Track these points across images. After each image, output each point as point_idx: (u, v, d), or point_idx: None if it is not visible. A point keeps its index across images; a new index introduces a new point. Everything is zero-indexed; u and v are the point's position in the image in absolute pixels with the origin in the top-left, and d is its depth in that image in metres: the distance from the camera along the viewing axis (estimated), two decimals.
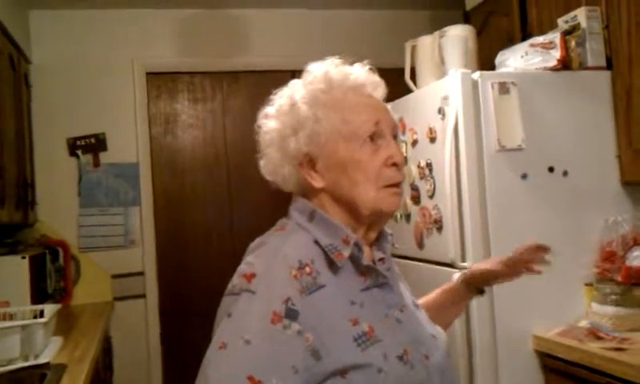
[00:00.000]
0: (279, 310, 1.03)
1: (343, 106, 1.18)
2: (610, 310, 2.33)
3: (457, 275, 1.56)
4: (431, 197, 2.77)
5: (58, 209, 3.97)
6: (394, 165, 1.17)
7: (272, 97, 1.27)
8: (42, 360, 2.37)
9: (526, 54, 2.62)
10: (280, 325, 1.02)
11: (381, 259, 1.22)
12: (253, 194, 4.36)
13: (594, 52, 2.58)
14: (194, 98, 4.38)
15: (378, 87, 1.24)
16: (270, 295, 1.05)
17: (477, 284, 1.54)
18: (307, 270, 1.10)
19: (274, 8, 4.39)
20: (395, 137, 1.21)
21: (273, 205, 4.37)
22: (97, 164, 4.07)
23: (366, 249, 1.20)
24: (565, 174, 2.54)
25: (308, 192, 1.21)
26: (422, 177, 2.85)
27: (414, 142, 2.93)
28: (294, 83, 1.27)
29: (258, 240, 1.22)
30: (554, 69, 2.56)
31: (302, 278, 1.08)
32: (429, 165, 2.79)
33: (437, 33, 3.00)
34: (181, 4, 4.19)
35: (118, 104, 4.14)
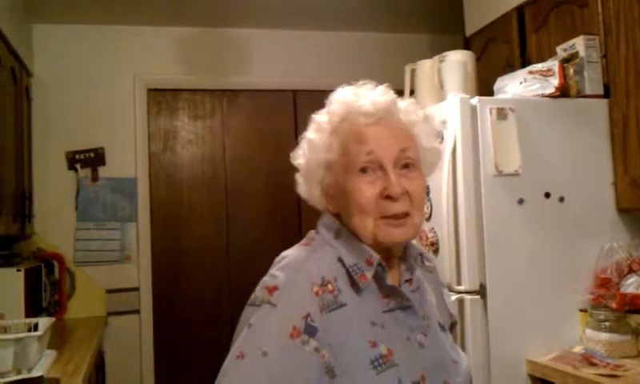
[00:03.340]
0: (299, 325, 1.04)
1: (344, 135, 1.19)
2: (604, 336, 2.34)
3: None
4: (428, 219, 2.78)
5: (54, 222, 3.97)
6: (389, 197, 1.15)
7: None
8: (35, 373, 2.36)
9: (525, 80, 2.65)
10: (299, 340, 1.03)
11: (408, 280, 1.21)
12: (250, 212, 4.38)
13: (592, 80, 2.60)
14: (194, 114, 4.40)
15: (389, 111, 1.20)
16: (291, 309, 1.06)
17: None
18: (329, 287, 1.11)
19: (275, 29, 4.43)
20: (407, 166, 1.19)
21: (269, 223, 4.43)
22: (95, 178, 4.08)
23: (393, 269, 1.21)
24: (561, 199, 2.56)
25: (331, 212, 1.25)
26: None
27: None
28: (327, 108, 1.28)
29: (282, 254, 1.22)
30: (551, 96, 2.58)
31: (324, 296, 1.09)
32: (426, 188, 2.80)
33: (437, 57, 3.03)
34: (183, 22, 4.22)
35: (118, 119, 4.16)
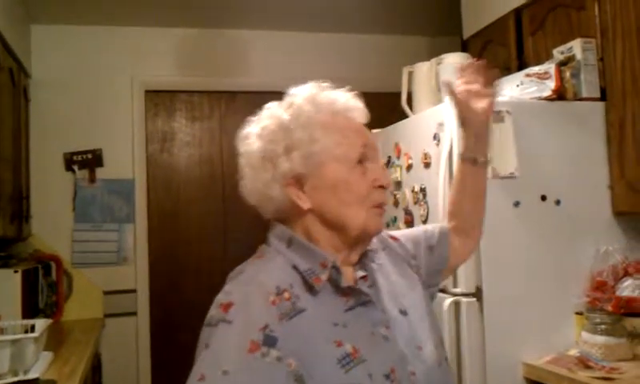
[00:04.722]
0: (257, 338, 1.03)
1: (335, 129, 1.19)
2: (600, 339, 2.34)
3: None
4: (424, 221, 2.78)
5: (52, 223, 3.97)
6: (381, 186, 1.20)
7: (249, 119, 1.28)
8: (31, 375, 2.36)
9: (522, 83, 2.65)
10: (258, 353, 1.02)
11: (363, 277, 1.23)
12: (247, 214, 4.35)
13: (589, 83, 2.61)
14: (191, 116, 4.40)
15: (362, 113, 1.27)
16: (247, 324, 1.05)
17: (467, 144, 1.55)
18: (286, 295, 1.10)
19: (273, 30, 4.44)
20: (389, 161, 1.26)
21: (268, 225, 4.41)
22: (92, 180, 4.08)
23: (347, 269, 1.22)
24: (557, 202, 2.56)
25: (291, 214, 1.22)
26: (416, 201, 2.87)
27: (409, 167, 2.94)
28: (275, 105, 1.28)
29: (237, 269, 1.22)
30: (548, 99, 2.59)
31: (281, 304, 1.08)
32: (423, 190, 2.80)
33: (434, 60, 3.03)
34: (181, 23, 4.23)
35: (115, 120, 4.16)
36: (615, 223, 2.63)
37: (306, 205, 1.18)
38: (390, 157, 3.15)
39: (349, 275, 1.21)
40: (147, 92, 4.28)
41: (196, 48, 4.35)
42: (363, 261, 1.26)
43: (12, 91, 3.38)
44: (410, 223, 2.93)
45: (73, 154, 4.07)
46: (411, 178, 2.92)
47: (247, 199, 1.27)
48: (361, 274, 1.23)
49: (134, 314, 4.09)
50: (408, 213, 2.95)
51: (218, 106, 4.45)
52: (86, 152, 4.09)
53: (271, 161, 1.20)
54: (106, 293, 4.04)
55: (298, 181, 1.18)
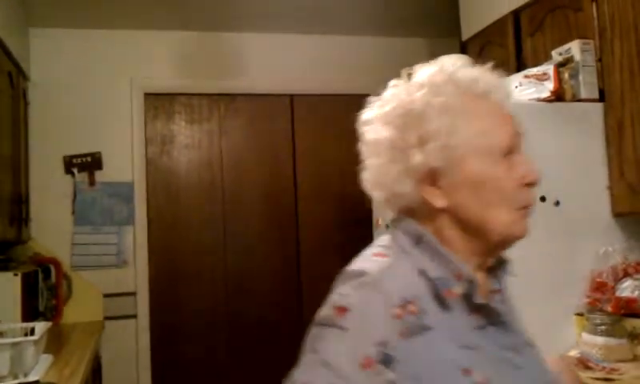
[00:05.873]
0: (372, 353, 0.89)
1: (479, 115, 1.02)
2: (600, 340, 2.34)
3: None
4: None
5: (51, 226, 3.97)
6: (529, 184, 1.03)
7: (371, 99, 1.11)
8: (31, 378, 2.36)
9: (520, 84, 2.65)
10: (371, 371, 0.88)
11: (495, 291, 1.08)
12: (247, 216, 4.38)
13: (587, 84, 2.61)
14: (190, 119, 4.40)
15: (508, 94, 1.09)
16: (363, 335, 0.91)
17: None
18: (411, 308, 0.93)
19: (272, 32, 4.44)
20: None
21: (266, 227, 4.42)
22: (92, 183, 4.09)
23: (480, 276, 1.05)
24: (557, 203, 2.56)
25: (421, 213, 1.04)
26: None
27: None
28: (402, 85, 1.09)
29: (355, 266, 1.03)
30: (547, 100, 2.59)
31: (405, 318, 0.92)
32: None
33: (433, 62, 3.03)
34: (180, 26, 4.23)
35: (115, 123, 4.17)
36: (614, 224, 2.63)
37: (440, 203, 1.02)
38: None
39: (482, 285, 1.05)
40: (146, 95, 4.28)
41: (195, 51, 4.35)
42: (498, 271, 1.11)
43: (11, 94, 3.38)
44: None
45: (72, 157, 4.07)
46: None
47: (369, 193, 1.10)
48: (495, 287, 1.09)
49: (134, 316, 4.09)
50: None
51: (217, 109, 4.45)
52: (85, 155, 4.09)
53: (402, 152, 1.02)
54: (106, 295, 4.04)
55: (433, 176, 1.01)
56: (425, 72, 1.07)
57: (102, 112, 4.15)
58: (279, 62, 4.45)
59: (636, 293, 2.38)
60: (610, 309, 2.37)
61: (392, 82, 1.11)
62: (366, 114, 1.10)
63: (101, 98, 4.15)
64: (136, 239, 4.14)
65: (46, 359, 2.68)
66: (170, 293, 4.23)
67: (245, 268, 4.34)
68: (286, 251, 4.44)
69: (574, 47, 2.63)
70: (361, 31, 4.51)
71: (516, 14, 3.17)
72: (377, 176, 1.06)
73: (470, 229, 1.02)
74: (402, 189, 1.02)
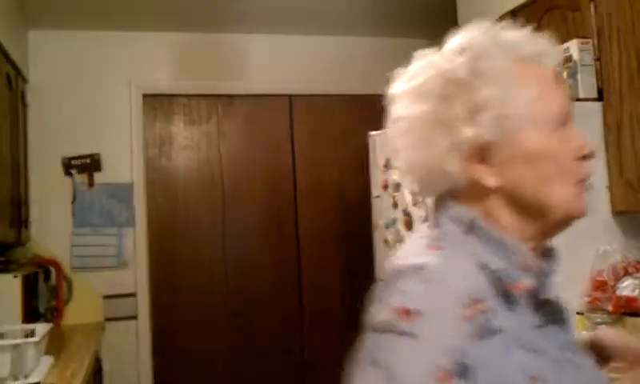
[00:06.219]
0: (448, 364, 0.77)
1: (531, 81, 0.91)
2: None
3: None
4: (424, 223, 2.78)
5: (51, 228, 3.98)
6: (586, 156, 0.93)
7: (396, 72, 0.99)
8: (32, 380, 2.36)
9: None
10: None
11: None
12: (246, 217, 4.38)
13: (586, 83, 2.61)
14: (189, 120, 4.40)
15: (558, 58, 0.97)
16: (436, 344, 0.79)
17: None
18: (480, 307, 0.82)
19: (271, 33, 4.44)
20: None
21: (266, 227, 4.43)
22: (91, 184, 4.09)
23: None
24: None
25: (468, 194, 0.93)
26: (415, 203, 2.87)
27: None
28: (435, 53, 0.98)
29: (408, 261, 0.90)
30: None
31: (476, 320, 0.81)
32: None
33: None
34: (179, 27, 4.23)
35: (114, 125, 4.17)
36: (614, 223, 2.63)
37: (492, 182, 0.90)
38: (388, 158, 3.16)
39: None
40: (145, 96, 4.28)
41: (193, 52, 4.35)
42: (547, 259, 0.99)
43: (9, 96, 3.38)
44: (409, 225, 2.94)
45: (71, 158, 4.07)
46: None
47: (404, 175, 0.99)
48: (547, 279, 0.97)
49: (134, 317, 4.09)
50: (407, 214, 2.96)
51: (216, 110, 4.45)
52: (84, 156, 4.09)
53: (446, 126, 0.90)
54: (106, 297, 4.03)
55: (482, 151, 0.90)
56: (463, 36, 0.96)
57: (100, 113, 4.14)
58: (278, 62, 4.45)
59: (636, 292, 2.38)
60: (610, 308, 2.37)
61: (419, 52, 0.99)
62: (395, 89, 0.97)
63: (99, 99, 4.15)
64: (136, 240, 4.14)
65: (47, 361, 2.68)
66: (170, 293, 4.23)
67: (245, 268, 4.34)
68: (286, 251, 4.44)
69: (573, 47, 2.63)
70: (359, 32, 4.51)
71: (513, 14, 3.18)
72: (414, 156, 0.94)
73: (526, 209, 0.91)
74: (447, 167, 0.90)
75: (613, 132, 2.59)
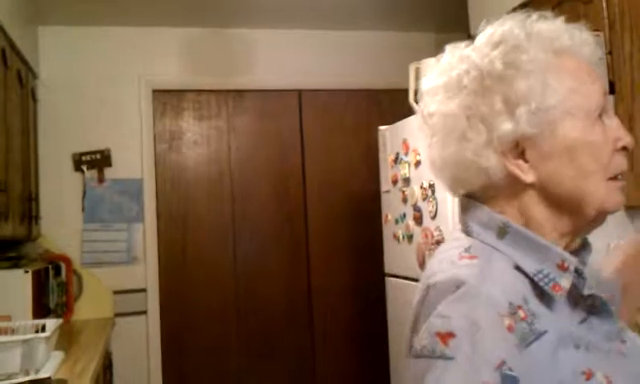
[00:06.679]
0: (491, 379, 0.74)
1: (568, 73, 0.89)
2: None
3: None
4: (433, 218, 2.78)
5: (61, 224, 3.99)
6: (624, 148, 0.92)
7: (427, 66, 0.98)
8: (42, 375, 2.37)
9: None
10: None
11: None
12: (256, 212, 4.38)
13: None
14: (199, 115, 4.41)
15: (595, 50, 0.96)
16: (477, 361, 0.76)
17: None
18: (521, 313, 0.81)
19: (280, 28, 4.43)
20: None
21: (275, 223, 4.43)
22: (101, 180, 4.10)
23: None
24: None
25: (502, 191, 0.91)
26: (425, 198, 2.86)
27: (417, 163, 2.94)
28: (467, 46, 0.96)
29: (444, 275, 0.86)
30: None
31: (518, 327, 0.79)
32: (431, 186, 2.80)
33: (440, 55, 3.02)
34: (188, 23, 4.23)
35: (123, 120, 4.18)
36: (626, 218, 2.61)
37: (530, 178, 0.89)
38: (398, 153, 3.15)
39: None
40: (155, 91, 4.29)
41: (203, 47, 4.35)
42: (581, 253, 0.98)
43: (20, 92, 3.39)
44: (418, 220, 2.93)
45: (81, 154, 4.08)
46: (420, 174, 2.92)
47: (435, 173, 0.97)
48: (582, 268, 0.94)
49: (144, 312, 4.11)
50: (417, 209, 2.95)
51: (226, 105, 4.45)
52: (94, 152, 4.10)
53: (483, 121, 0.88)
54: (116, 292, 4.05)
55: (519, 145, 0.88)
56: (496, 29, 0.94)
57: (110, 109, 4.15)
58: (287, 57, 4.44)
59: None
60: None
61: (448, 47, 0.98)
62: (427, 84, 0.96)
63: (109, 95, 4.16)
64: (145, 236, 4.16)
65: (57, 356, 2.69)
66: (180, 289, 4.24)
67: (254, 263, 4.34)
68: (295, 246, 4.44)
69: None
70: (369, 26, 4.50)
71: (524, 7, 3.15)
72: (449, 153, 0.91)
73: (562, 204, 0.89)
74: (484, 163, 0.88)
75: (624, 125, 2.56)
